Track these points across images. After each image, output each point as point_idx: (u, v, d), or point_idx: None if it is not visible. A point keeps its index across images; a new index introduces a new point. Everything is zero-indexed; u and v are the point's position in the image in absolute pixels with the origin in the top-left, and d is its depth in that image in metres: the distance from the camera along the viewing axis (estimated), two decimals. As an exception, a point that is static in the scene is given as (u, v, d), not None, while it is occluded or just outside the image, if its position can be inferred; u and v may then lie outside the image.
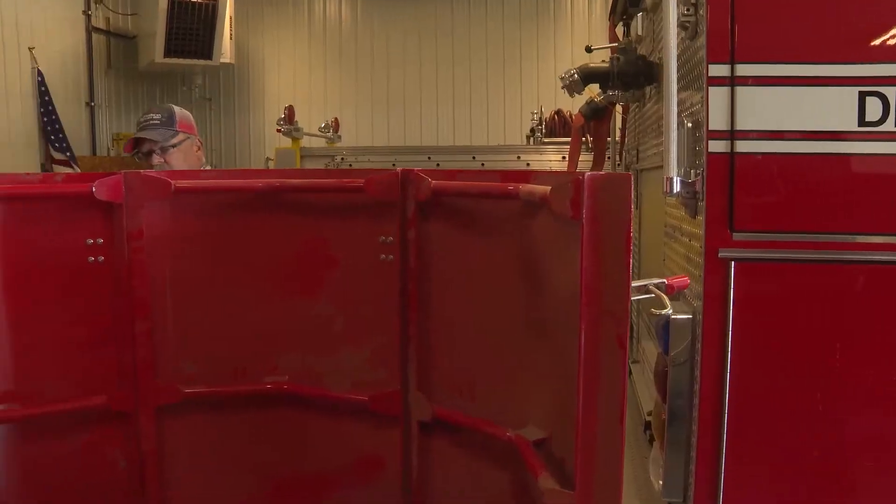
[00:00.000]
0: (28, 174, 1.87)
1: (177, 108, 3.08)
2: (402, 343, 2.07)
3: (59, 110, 8.89)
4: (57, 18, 9.34)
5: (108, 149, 9.87)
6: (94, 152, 9.55)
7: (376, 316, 2.11)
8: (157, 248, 2.06)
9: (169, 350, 2.14)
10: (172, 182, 2.02)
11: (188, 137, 3.03)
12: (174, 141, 2.96)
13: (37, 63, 8.86)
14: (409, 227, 2.01)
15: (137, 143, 3.00)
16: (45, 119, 8.75)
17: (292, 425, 2.25)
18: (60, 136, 8.74)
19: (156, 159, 2.93)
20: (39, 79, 8.84)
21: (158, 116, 2.98)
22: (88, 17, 9.71)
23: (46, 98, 8.80)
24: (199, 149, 3.10)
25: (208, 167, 3.31)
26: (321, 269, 2.15)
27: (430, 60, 10.49)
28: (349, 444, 2.24)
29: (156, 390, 2.14)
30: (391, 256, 2.06)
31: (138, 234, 2.03)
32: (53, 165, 8.39)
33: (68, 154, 8.60)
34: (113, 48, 10.18)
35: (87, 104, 9.74)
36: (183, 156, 2.98)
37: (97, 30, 9.86)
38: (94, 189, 1.97)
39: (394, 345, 2.08)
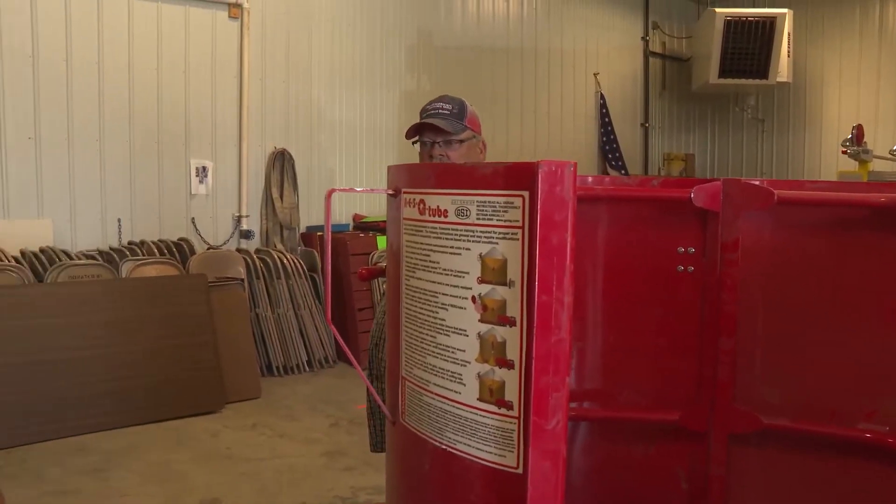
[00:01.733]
0: (628, 176, 1.85)
1: (467, 102, 2.74)
2: None
3: (616, 130, 9.42)
4: (618, 46, 9.89)
5: (659, 168, 10.14)
6: (645, 171, 9.92)
7: None
8: (751, 263, 1.90)
9: (751, 374, 1.96)
10: (775, 192, 1.83)
11: (474, 136, 2.69)
12: (463, 136, 2.64)
13: (600, 87, 9.50)
14: None
15: (419, 130, 2.68)
16: (604, 139, 9.33)
17: (887, 484, 1.91)
18: (617, 154, 9.23)
19: (437, 151, 2.62)
20: (601, 101, 9.47)
21: (449, 107, 2.66)
22: (646, 42, 10.14)
23: (606, 119, 9.39)
24: (482, 151, 2.76)
25: None
26: (945, 305, 1.79)
27: None
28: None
29: (732, 415, 1.98)
30: None
31: (733, 246, 1.89)
32: (608, 182, 8.92)
33: (623, 172, 9.05)
34: (668, 71, 10.47)
35: (642, 125, 10.16)
36: (466, 154, 2.65)
37: (654, 54, 10.24)
38: (692, 195, 1.88)
39: None
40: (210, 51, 6.93)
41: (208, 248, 6.92)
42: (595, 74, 9.50)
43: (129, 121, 6.55)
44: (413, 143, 2.69)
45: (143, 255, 6.26)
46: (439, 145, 2.62)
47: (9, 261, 5.69)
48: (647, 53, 10.15)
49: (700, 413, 2.00)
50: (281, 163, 7.43)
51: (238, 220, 7.27)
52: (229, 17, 6.97)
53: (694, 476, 2.09)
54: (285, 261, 6.95)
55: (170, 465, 4.73)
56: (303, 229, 7.61)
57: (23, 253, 5.90)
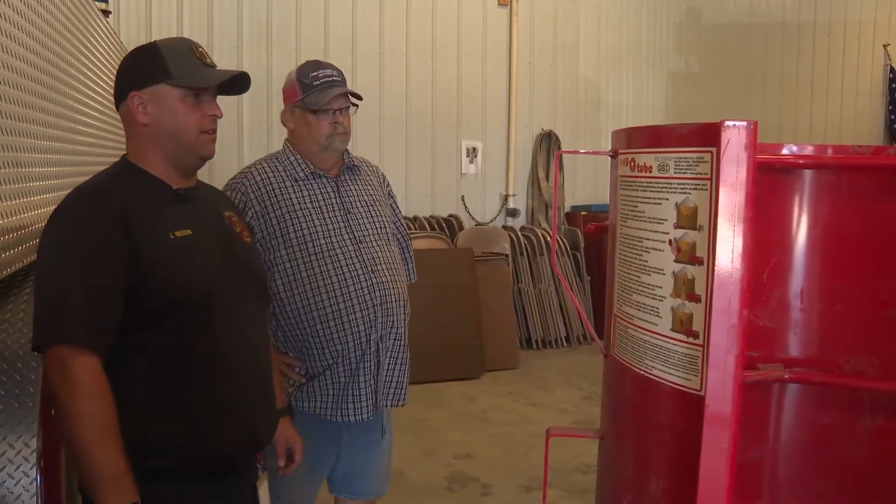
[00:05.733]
0: (860, 146, 1.86)
1: None
2: None
3: (907, 105, 8.72)
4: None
5: (956, 147, 9.22)
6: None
7: None
8: None
9: None
10: None
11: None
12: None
13: (890, 60, 8.79)
14: None
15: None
16: (892, 116, 8.64)
17: None
18: (906, 133, 8.55)
19: (342, 118, 2.53)
20: (891, 76, 8.76)
21: (339, 73, 2.55)
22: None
23: (896, 95, 8.70)
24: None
25: None
26: None
27: None
28: None
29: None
30: None
31: (971, 213, 1.84)
32: None
33: (911, 151, 8.36)
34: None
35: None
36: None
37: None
38: (927, 161, 1.86)
39: None
40: (480, 37, 7.35)
41: (476, 225, 7.38)
42: (885, 46, 8.80)
43: (405, 105, 7.14)
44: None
45: (416, 230, 6.83)
46: (342, 112, 2.55)
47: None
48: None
49: (931, 385, 1.96)
50: (548, 144, 7.70)
51: (505, 198, 7.65)
52: (499, 4, 7.35)
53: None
54: (549, 238, 7.23)
55: (428, 422, 5.19)
56: (567, 209, 7.85)
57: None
